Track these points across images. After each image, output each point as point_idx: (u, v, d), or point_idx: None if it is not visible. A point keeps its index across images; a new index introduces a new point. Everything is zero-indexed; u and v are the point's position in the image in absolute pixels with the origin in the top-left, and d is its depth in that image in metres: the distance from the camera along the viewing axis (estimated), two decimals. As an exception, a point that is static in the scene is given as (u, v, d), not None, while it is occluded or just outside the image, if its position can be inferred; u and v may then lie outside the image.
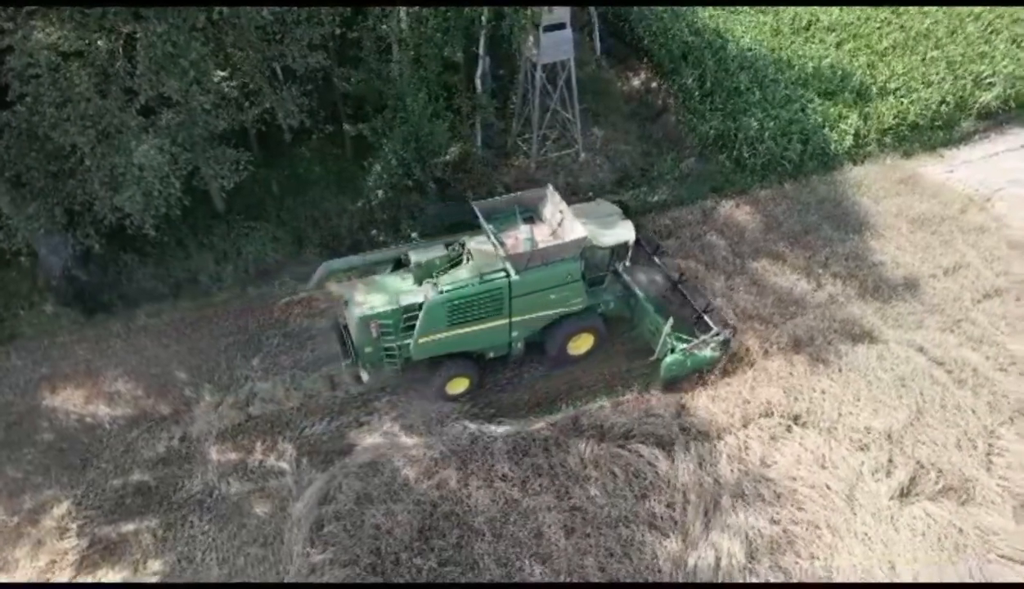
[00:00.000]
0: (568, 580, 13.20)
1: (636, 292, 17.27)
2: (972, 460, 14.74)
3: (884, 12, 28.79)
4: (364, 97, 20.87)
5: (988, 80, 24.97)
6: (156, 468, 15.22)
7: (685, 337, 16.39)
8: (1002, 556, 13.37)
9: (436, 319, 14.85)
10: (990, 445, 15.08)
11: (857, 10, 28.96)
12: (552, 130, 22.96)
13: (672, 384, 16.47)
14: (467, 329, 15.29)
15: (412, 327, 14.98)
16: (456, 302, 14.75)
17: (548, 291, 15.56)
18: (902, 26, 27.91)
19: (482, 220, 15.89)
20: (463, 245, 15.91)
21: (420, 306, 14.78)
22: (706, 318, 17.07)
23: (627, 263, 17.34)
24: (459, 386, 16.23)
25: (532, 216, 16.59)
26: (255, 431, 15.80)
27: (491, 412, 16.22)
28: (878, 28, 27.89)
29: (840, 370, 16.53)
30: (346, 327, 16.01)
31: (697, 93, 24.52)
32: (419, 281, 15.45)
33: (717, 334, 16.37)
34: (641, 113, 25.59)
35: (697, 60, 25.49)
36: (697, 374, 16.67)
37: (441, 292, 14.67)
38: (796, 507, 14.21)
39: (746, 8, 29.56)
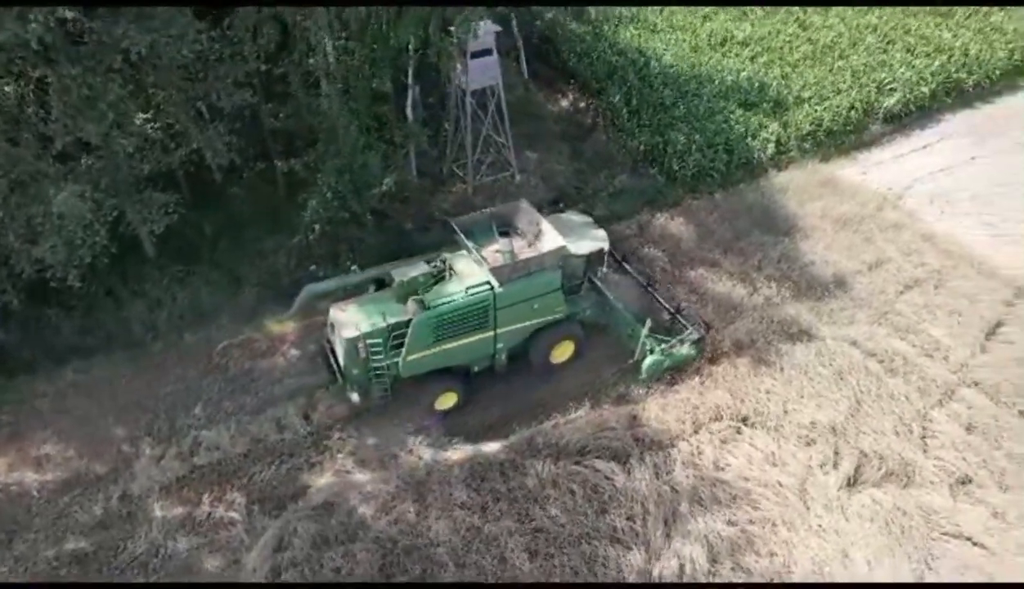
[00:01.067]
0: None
1: (611, 298, 17.62)
2: (909, 444, 15.40)
3: (792, 27, 30.47)
4: (294, 132, 20.61)
5: (889, 86, 26.60)
6: (93, 533, 14.37)
7: (662, 338, 16.86)
8: (944, 533, 13.97)
9: (424, 335, 15.01)
10: (924, 428, 15.80)
11: (768, 25, 30.56)
12: (486, 155, 23.15)
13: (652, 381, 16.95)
14: (454, 343, 15.53)
15: (400, 345, 15.07)
16: (443, 317, 14.98)
17: (530, 301, 15.95)
18: (809, 39, 29.57)
19: (461, 236, 16.16)
20: (444, 261, 16.14)
21: (407, 324, 14.90)
22: (679, 318, 17.60)
23: (605, 269, 17.83)
24: (448, 401, 16.30)
25: (507, 230, 16.95)
26: (201, 482, 15.15)
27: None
28: (788, 41, 29.47)
29: (782, 369, 17.06)
30: (332, 350, 15.86)
31: (624, 111, 25.23)
32: (403, 299, 15.53)
33: (692, 333, 16.89)
34: (572, 133, 26.10)
35: (622, 79, 26.28)
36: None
37: (428, 308, 14.84)
38: (752, 507, 14.51)
39: (665, 25, 30.72)
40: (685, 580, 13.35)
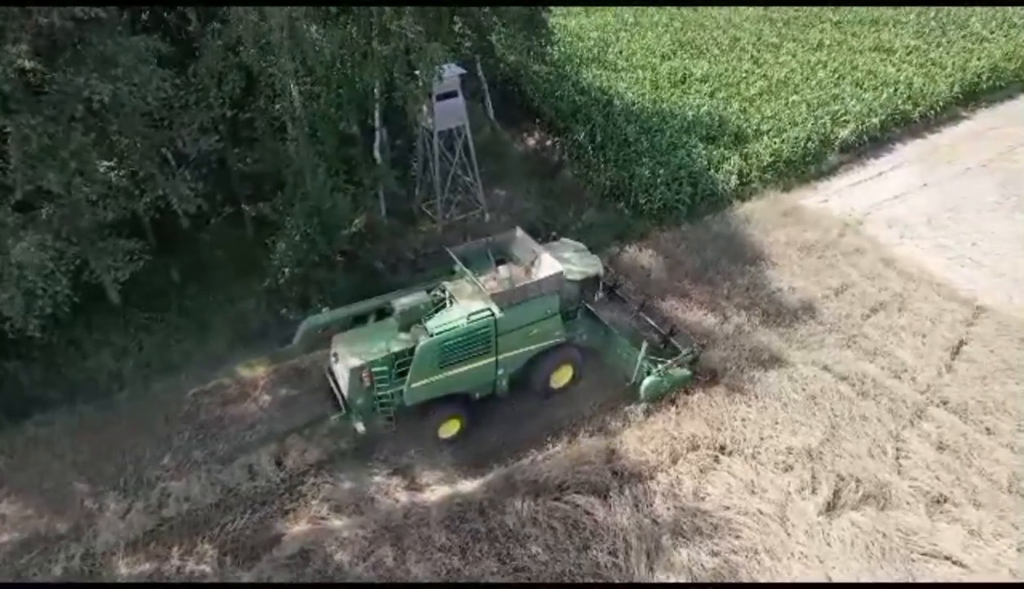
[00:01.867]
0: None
1: (605, 323, 18.04)
2: (884, 466, 15.53)
3: (747, 64, 31.61)
4: (262, 176, 20.60)
5: (843, 118, 27.62)
6: (54, 595, 13.73)
7: (658, 359, 17.12)
8: (924, 554, 13.99)
9: (428, 362, 15.13)
10: (897, 449, 15.96)
11: (724, 63, 31.68)
12: (455, 194, 23.34)
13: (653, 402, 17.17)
14: (457, 370, 15.65)
15: (404, 374, 15.21)
16: (447, 344, 15.12)
17: (530, 327, 16.15)
18: (764, 75, 30.66)
19: (460, 264, 16.49)
20: (444, 290, 16.39)
21: (411, 351, 15.10)
22: (672, 340, 17.83)
23: (600, 294, 18.12)
24: (452, 428, 16.34)
25: (503, 258, 17.28)
26: (170, 535, 14.59)
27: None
28: (744, 78, 30.52)
29: (756, 396, 17.20)
30: (335, 380, 15.87)
31: (590, 147, 25.72)
32: (405, 328, 15.74)
33: (687, 353, 17.24)
34: (539, 171, 26.49)
35: (587, 117, 26.86)
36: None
37: (432, 335, 14.97)
38: (734, 536, 14.41)
39: (626, 65, 31.62)
40: (670, 614, 13.17)
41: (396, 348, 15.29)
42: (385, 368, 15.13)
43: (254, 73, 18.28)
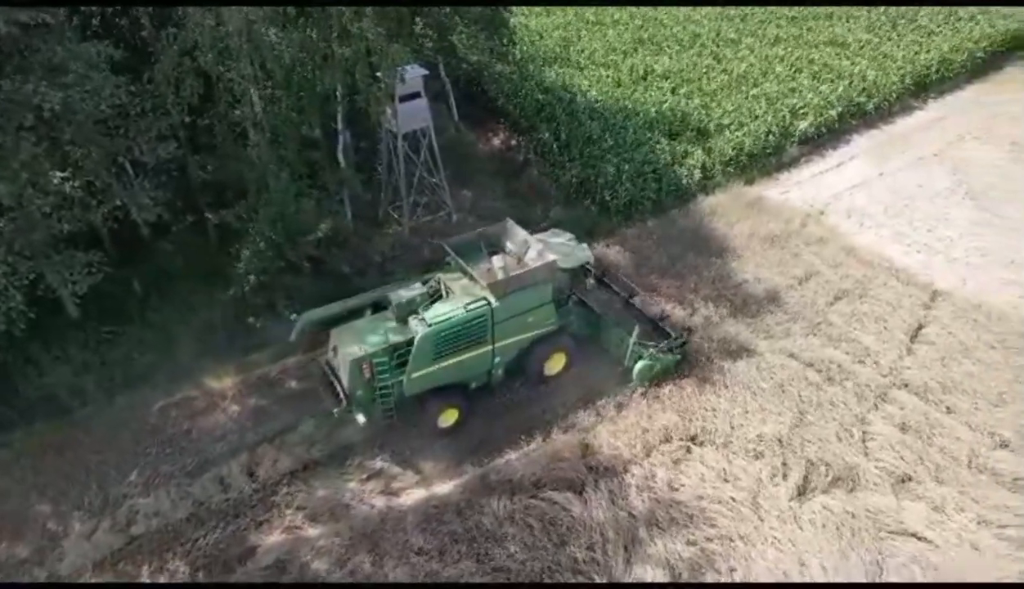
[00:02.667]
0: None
1: (596, 311, 18.47)
2: (851, 449, 15.89)
3: (707, 59, 32.05)
4: (224, 183, 20.18)
5: (801, 111, 28.17)
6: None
7: (649, 344, 17.49)
8: (891, 532, 14.35)
9: (427, 352, 15.43)
10: (864, 432, 16.34)
11: (684, 58, 32.05)
12: (421, 196, 23.22)
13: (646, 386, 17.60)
14: (455, 359, 15.97)
15: (403, 365, 15.48)
16: (445, 334, 15.42)
17: (524, 315, 16.53)
18: (724, 70, 31.11)
19: (454, 255, 16.79)
20: (439, 281, 16.68)
21: (409, 343, 15.38)
22: (662, 325, 18.28)
23: (592, 282, 18.51)
24: (450, 418, 16.57)
25: (495, 249, 17.52)
26: (140, 553, 14.25)
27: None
28: (705, 73, 30.91)
29: (726, 386, 17.45)
30: (335, 373, 15.96)
31: (554, 146, 25.82)
32: (402, 320, 16.01)
33: (677, 337, 17.78)
34: (505, 170, 26.50)
35: (550, 116, 26.95)
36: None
37: (430, 325, 15.22)
38: (708, 524, 14.60)
39: (588, 63, 31.81)
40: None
41: (395, 339, 15.57)
42: (385, 359, 15.36)
43: (212, 78, 17.94)
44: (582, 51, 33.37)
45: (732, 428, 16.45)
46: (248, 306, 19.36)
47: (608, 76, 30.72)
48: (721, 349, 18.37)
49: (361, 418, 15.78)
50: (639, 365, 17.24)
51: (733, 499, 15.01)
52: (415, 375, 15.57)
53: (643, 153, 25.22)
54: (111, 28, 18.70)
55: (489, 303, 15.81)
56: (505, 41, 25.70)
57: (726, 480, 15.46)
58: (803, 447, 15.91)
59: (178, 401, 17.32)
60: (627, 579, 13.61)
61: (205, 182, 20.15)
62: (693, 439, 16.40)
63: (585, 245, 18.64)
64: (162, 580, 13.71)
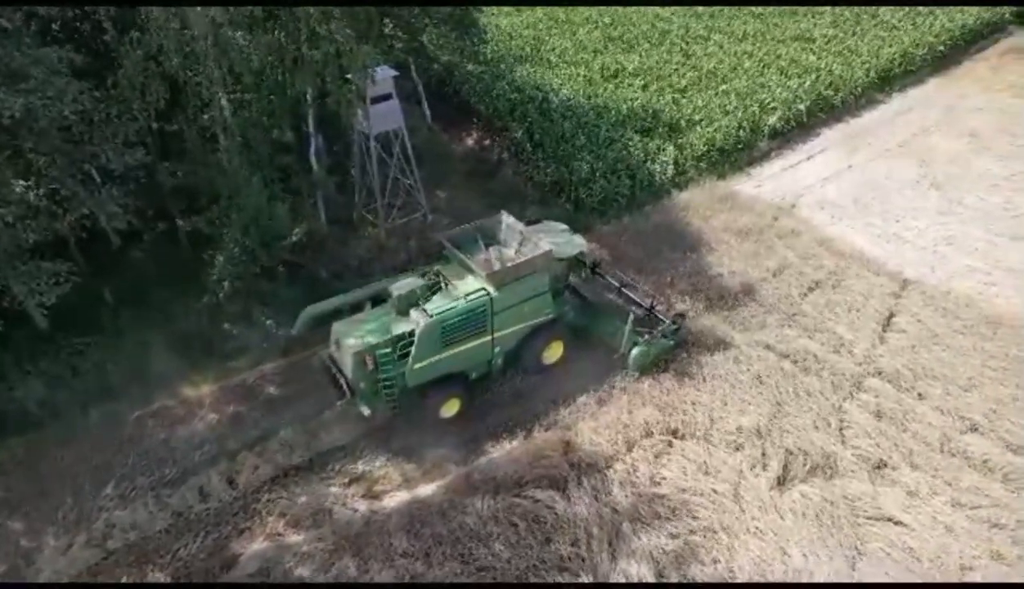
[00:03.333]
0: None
1: (590, 299, 19.01)
2: (829, 437, 16.16)
3: (677, 56, 32.37)
4: (195, 189, 19.89)
5: (771, 105, 28.57)
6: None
7: (643, 330, 17.89)
8: (869, 517, 14.63)
9: (430, 342, 15.71)
10: (840, 420, 16.63)
11: (655, 55, 32.34)
12: (396, 198, 23.09)
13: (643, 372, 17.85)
14: (457, 349, 16.25)
15: (406, 356, 15.69)
16: (446, 324, 15.71)
17: (522, 305, 16.86)
18: (694, 67, 31.47)
19: (451, 248, 17.17)
20: (437, 273, 16.93)
21: (411, 334, 15.61)
22: (655, 313, 18.51)
23: (588, 272, 19.10)
24: (452, 408, 16.78)
25: (490, 242, 17.99)
26: (117, 567, 13.95)
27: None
28: (675, 70, 31.21)
29: (704, 379, 17.64)
30: (338, 367, 16.15)
31: (528, 145, 25.86)
32: (403, 312, 16.12)
33: (671, 323, 18.06)
34: (479, 170, 26.47)
35: (523, 115, 26.99)
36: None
37: (431, 316, 15.49)
38: (691, 517, 14.74)
39: (559, 61, 31.93)
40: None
41: (397, 331, 15.69)
42: (387, 351, 15.51)
43: (179, 83, 17.67)
44: (553, 50, 33.51)
45: (712, 421, 16.61)
46: (224, 313, 19.12)
47: (579, 74, 30.87)
48: (698, 342, 18.56)
49: (366, 410, 15.96)
50: (635, 351, 17.47)
51: (715, 491, 15.16)
52: (417, 366, 15.80)
53: (616, 150, 25.38)
54: (72, 33, 18.31)
55: (488, 293, 16.05)
56: (476, 41, 25.66)
57: (707, 472, 15.61)
58: (782, 437, 16.14)
59: (154, 411, 17.02)
60: (612, 574, 13.66)
61: (176, 188, 19.84)
62: (674, 433, 16.53)
63: (579, 236, 19.02)
64: (142, 594, 13.46)
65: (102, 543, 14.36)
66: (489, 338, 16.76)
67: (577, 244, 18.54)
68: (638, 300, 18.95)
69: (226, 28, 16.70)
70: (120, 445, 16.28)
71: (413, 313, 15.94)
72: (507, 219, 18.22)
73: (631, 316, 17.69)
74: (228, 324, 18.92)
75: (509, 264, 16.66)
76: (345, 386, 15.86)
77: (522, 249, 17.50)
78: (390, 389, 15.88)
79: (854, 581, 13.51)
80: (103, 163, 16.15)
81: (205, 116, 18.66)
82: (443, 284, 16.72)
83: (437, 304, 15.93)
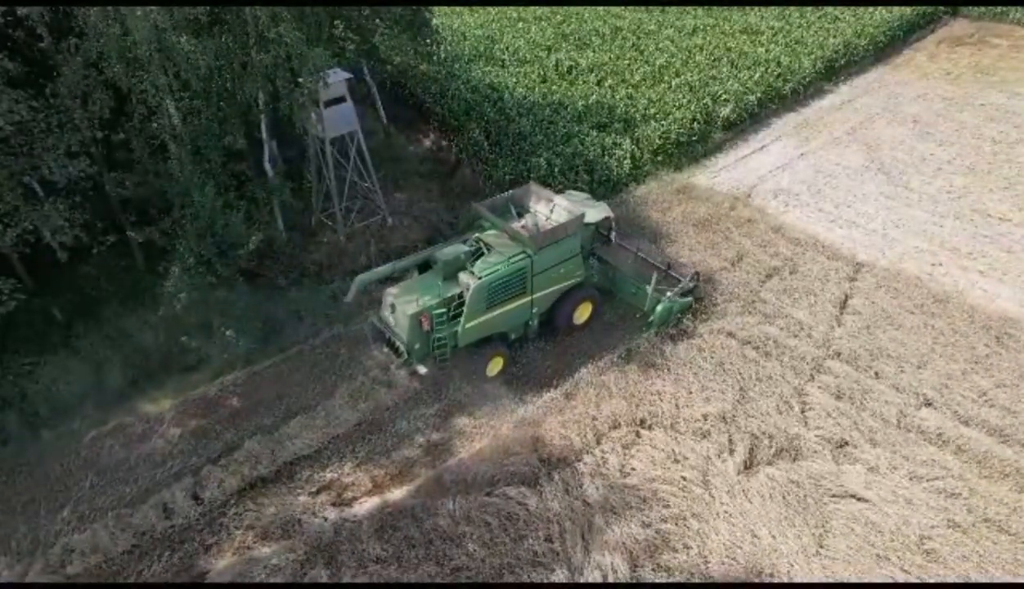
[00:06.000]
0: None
1: (612, 263, 19.92)
2: (792, 420, 16.50)
3: (629, 52, 32.70)
4: (146, 199, 19.39)
5: (723, 97, 29.06)
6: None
7: (665, 289, 18.91)
8: (833, 496, 14.97)
9: (479, 303, 16.86)
10: (802, 403, 17.00)
11: (607, 51, 32.60)
12: (354, 201, 22.83)
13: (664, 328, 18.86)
14: (502, 309, 17.46)
15: (456, 317, 16.86)
16: (494, 284, 16.87)
17: (557, 267, 17.94)
18: (646, 61, 31.81)
19: (489, 215, 18.31)
20: (478, 240, 17.94)
21: (461, 296, 16.83)
22: (671, 273, 19.60)
23: (615, 236, 20.05)
24: (496, 367, 18.05)
25: (520, 210, 19.21)
26: (79, 593, 13.54)
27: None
28: (628, 65, 31.50)
29: (668, 369, 17.86)
30: (392, 330, 17.21)
31: (485, 144, 25.83)
32: (450, 276, 17.21)
33: (689, 280, 19.32)
34: (438, 171, 26.35)
35: (480, 114, 26.93)
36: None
37: (480, 278, 16.60)
38: (662, 505, 14.89)
39: (513, 60, 31.97)
40: (610, 590, 13.44)
41: (449, 293, 16.79)
42: (442, 311, 16.58)
43: (123, 90, 17.17)
44: (506, 48, 33.54)
45: (678, 409, 16.83)
46: (181, 325, 18.64)
47: (534, 72, 30.95)
48: (662, 333, 18.78)
49: (422, 369, 17.28)
50: (659, 308, 18.43)
51: (684, 479, 15.35)
52: (469, 325, 16.91)
53: (573, 146, 25.52)
54: (3, 40, 17.62)
55: (529, 255, 17.14)
56: (428, 41, 25.52)
57: (676, 461, 15.80)
58: (747, 422, 16.42)
59: (111, 429, 16.51)
60: (586, 566, 13.72)
61: (125, 199, 19.31)
62: (641, 423, 16.69)
63: (604, 203, 19.77)
64: (106, 618, 13.04)
65: (60, 569, 13.84)
66: (528, 299, 17.82)
67: (603, 210, 19.23)
68: (655, 262, 19.70)
69: (169, 32, 16.26)
70: (76, 467, 15.76)
71: (462, 276, 17.01)
72: (537, 188, 19.49)
73: (654, 276, 18.52)
74: (186, 337, 18.44)
75: (548, 227, 17.74)
76: (401, 347, 16.88)
77: (553, 216, 18.64)
78: (443, 349, 16.88)
79: (821, 555, 13.80)
80: (45, 175, 15.60)
81: (153, 124, 18.17)
82: (484, 249, 17.64)
83: (482, 267, 16.88)
